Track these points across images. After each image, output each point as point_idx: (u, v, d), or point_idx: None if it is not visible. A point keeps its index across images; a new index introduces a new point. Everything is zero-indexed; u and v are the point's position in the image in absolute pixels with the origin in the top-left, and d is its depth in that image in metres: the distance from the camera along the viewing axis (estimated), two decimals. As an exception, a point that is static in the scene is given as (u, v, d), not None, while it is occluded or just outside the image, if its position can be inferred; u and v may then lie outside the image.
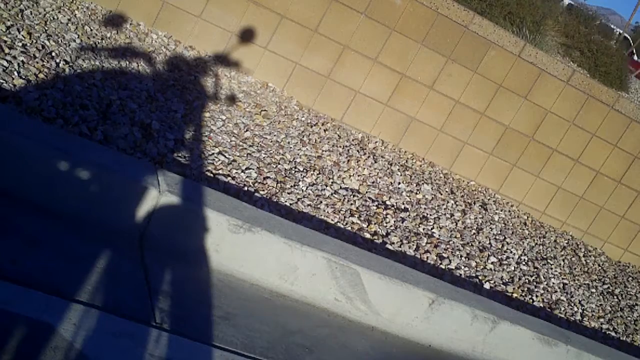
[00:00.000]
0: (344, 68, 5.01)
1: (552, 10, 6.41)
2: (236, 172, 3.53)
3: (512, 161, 5.55)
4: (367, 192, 4.23)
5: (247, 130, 4.08)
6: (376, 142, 5.16)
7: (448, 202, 4.79)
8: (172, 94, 3.98)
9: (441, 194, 4.85)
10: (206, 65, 4.64)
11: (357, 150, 4.77)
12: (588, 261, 5.47)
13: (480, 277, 3.99)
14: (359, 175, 4.37)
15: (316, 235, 2.97)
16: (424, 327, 3.03)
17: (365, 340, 2.82)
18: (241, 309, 2.52)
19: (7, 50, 3.25)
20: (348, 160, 4.50)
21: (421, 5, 4.97)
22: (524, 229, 5.26)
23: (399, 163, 5.00)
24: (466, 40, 5.12)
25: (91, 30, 4.08)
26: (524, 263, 4.58)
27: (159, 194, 2.54)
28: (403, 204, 4.35)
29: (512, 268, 4.39)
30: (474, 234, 4.54)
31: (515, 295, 4.07)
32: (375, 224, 3.87)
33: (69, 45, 3.72)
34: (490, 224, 4.89)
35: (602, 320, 4.50)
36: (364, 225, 3.79)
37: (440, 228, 4.31)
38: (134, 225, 2.55)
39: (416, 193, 4.63)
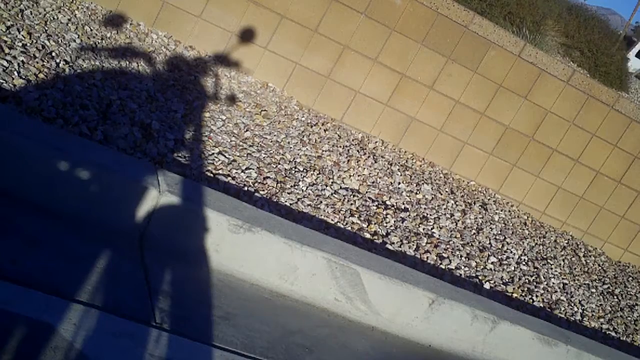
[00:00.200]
0: (344, 68, 5.01)
1: (552, 10, 6.41)
2: (236, 172, 3.53)
3: (512, 161, 5.55)
4: (367, 192, 4.23)
5: (247, 130, 4.08)
6: (376, 142, 5.16)
7: (448, 202, 4.79)
8: (172, 94, 3.98)
9: (441, 194, 4.85)
10: (206, 65, 4.64)
11: (357, 150, 4.77)
12: (588, 261, 5.47)
13: (480, 277, 3.99)
14: (359, 175, 4.37)
15: (316, 235, 2.97)
16: (424, 327, 3.02)
17: (365, 340, 2.82)
18: (241, 309, 2.52)
19: (7, 50, 3.25)
20: (348, 160, 4.50)
21: (421, 5, 4.97)
22: (524, 229, 5.26)
23: (399, 163, 5.00)
24: (466, 40, 5.12)
25: (91, 30, 4.08)
26: (524, 263, 4.58)
27: (159, 194, 2.54)
28: (403, 204, 4.35)
29: (512, 268, 4.39)
30: (474, 234, 4.54)
31: (515, 295, 4.07)
32: (375, 224, 3.87)
33: (69, 45, 3.72)
34: (490, 224, 4.89)
35: (602, 320, 4.50)
36: (364, 225, 3.79)
37: (440, 228, 4.31)
38: (134, 225, 2.55)
39: (416, 193, 4.63)
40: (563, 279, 4.76)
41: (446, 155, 5.41)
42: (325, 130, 4.80)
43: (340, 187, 4.09)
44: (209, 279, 2.59)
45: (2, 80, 3.02)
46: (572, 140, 5.60)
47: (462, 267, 3.98)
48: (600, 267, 5.49)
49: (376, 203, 4.14)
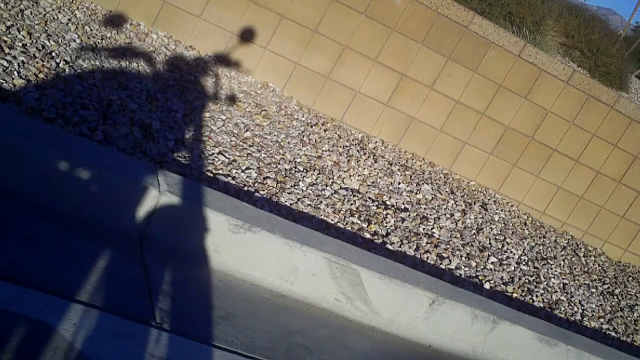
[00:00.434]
0: (344, 68, 5.01)
1: (552, 10, 6.40)
2: (236, 172, 3.53)
3: (512, 161, 5.55)
4: (367, 192, 4.23)
5: (247, 130, 4.08)
6: (376, 142, 5.16)
7: (448, 202, 4.79)
8: (172, 94, 3.98)
9: (441, 194, 4.85)
10: (206, 65, 4.64)
11: (357, 150, 4.77)
12: (588, 261, 5.47)
13: (480, 277, 3.99)
14: (359, 175, 4.37)
15: (316, 235, 2.96)
16: (424, 327, 3.02)
17: (366, 340, 2.82)
18: (241, 309, 2.52)
19: (7, 50, 3.25)
20: (348, 160, 4.50)
21: (421, 5, 4.97)
22: (524, 229, 5.26)
23: (399, 163, 5.00)
24: (466, 40, 5.12)
25: (91, 30, 4.08)
26: (524, 263, 4.58)
27: (159, 194, 2.54)
28: (403, 204, 4.35)
29: (512, 268, 4.39)
30: (474, 234, 4.54)
31: (515, 295, 4.06)
32: (375, 224, 3.87)
33: (69, 45, 3.72)
34: (490, 224, 4.89)
35: (602, 320, 4.49)
36: (364, 225, 3.79)
37: (440, 228, 4.31)
38: (134, 225, 2.55)
39: (416, 193, 4.63)
40: (563, 279, 4.76)
41: (446, 155, 5.41)
42: (325, 130, 4.80)
43: (341, 187, 4.09)
44: (209, 279, 2.59)
45: (2, 80, 3.02)
46: (572, 140, 5.60)
47: (462, 267, 3.98)
48: (600, 267, 5.49)
49: (376, 203, 4.14)
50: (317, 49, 4.92)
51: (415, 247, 3.88)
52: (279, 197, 3.56)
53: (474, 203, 5.09)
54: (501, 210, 5.30)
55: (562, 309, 4.30)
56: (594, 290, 4.91)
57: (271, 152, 4.00)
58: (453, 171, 5.45)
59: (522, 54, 5.26)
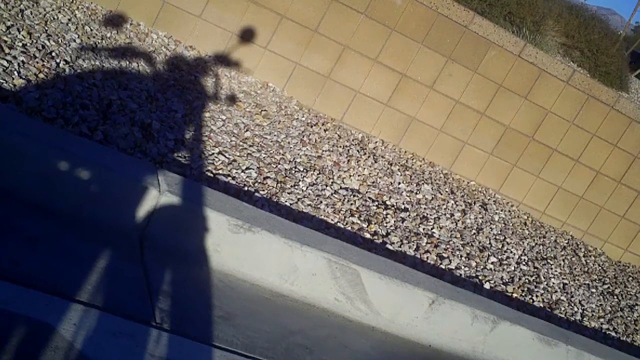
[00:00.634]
0: (344, 68, 5.01)
1: (552, 10, 6.40)
2: (236, 172, 3.53)
3: (512, 161, 5.55)
4: (367, 192, 4.23)
5: (247, 130, 4.08)
6: (376, 142, 5.16)
7: (448, 202, 4.79)
8: (172, 94, 3.98)
9: (441, 194, 4.85)
10: (206, 65, 4.64)
11: (357, 150, 4.77)
12: (588, 261, 5.47)
13: (480, 277, 3.99)
14: (359, 175, 4.37)
15: (316, 235, 2.97)
16: (424, 327, 3.02)
17: (366, 340, 2.82)
18: (241, 309, 2.52)
19: (7, 50, 3.25)
20: (348, 160, 4.50)
21: (421, 5, 4.97)
22: (524, 229, 5.26)
23: (399, 163, 5.00)
24: (466, 40, 5.12)
25: (91, 30, 4.08)
26: (524, 263, 4.58)
27: (159, 193, 2.54)
28: (403, 204, 4.35)
29: (512, 268, 4.39)
30: (474, 234, 4.54)
31: (515, 295, 4.07)
32: (375, 224, 3.87)
33: (69, 45, 3.72)
34: (490, 224, 4.89)
35: (602, 320, 4.50)
36: (364, 225, 3.79)
37: (440, 228, 4.31)
38: (134, 225, 2.55)
39: (416, 193, 4.63)
40: (563, 279, 4.76)
41: (446, 155, 5.41)
42: (325, 130, 4.80)
43: (341, 187, 4.09)
44: (209, 279, 2.59)
45: (2, 80, 3.02)
46: (572, 140, 5.60)
47: (462, 267, 3.98)
48: (600, 267, 5.49)
49: (376, 203, 4.14)
50: (317, 49, 4.92)
51: (415, 247, 3.88)
52: (279, 197, 3.56)
53: (474, 203, 5.09)
54: (501, 210, 5.30)
55: (562, 309, 4.30)
56: (594, 290, 4.91)
57: (271, 152, 4.00)
58: (453, 171, 5.45)
59: (522, 54, 5.26)
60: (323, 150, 4.44)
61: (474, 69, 5.21)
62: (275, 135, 4.24)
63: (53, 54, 3.50)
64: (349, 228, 3.68)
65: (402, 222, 4.09)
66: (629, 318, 4.78)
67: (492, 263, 4.27)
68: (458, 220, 4.58)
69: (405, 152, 5.28)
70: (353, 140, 4.94)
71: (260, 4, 4.72)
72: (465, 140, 5.40)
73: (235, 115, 4.18)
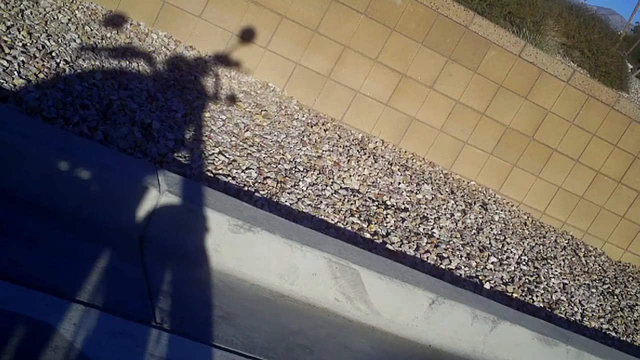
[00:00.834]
0: (344, 68, 5.01)
1: (552, 10, 6.40)
2: (236, 172, 3.53)
3: (512, 161, 5.55)
4: (367, 192, 4.23)
5: (247, 130, 4.08)
6: (376, 142, 5.16)
7: (448, 202, 4.79)
8: (172, 94, 3.98)
9: (441, 194, 4.85)
10: (206, 65, 4.64)
11: (357, 150, 4.77)
12: (588, 261, 5.47)
13: (480, 277, 3.99)
14: (359, 175, 4.37)
15: (316, 235, 2.96)
16: (424, 327, 3.02)
17: (366, 340, 2.82)
18: (241, 309, 2.52)
19: (7, 50, 3.25)
20: (348, 160, 4.50)
21: (421, 5, 4.97)
22: (524, 229, 5.26)
23: (399, 163, 5.00)
24: (466, 40, 5.12)
25: (91, 30, 4.08)
26: (524, 263, 4.58)
27: (159, 193, 2.54)
28: (403, 204, 4.35)
29: (512, 268, 4.39)
30: (474, 234, 4.54)
31: (515, 295, 4.06)
32: (375, 224, 3.87)
33: (69, 45, 3.72)
34: (491, 224, 4.89)
35: (602, 320, 4.50)
36: (364, 225, 3.79)
37: (441, 228, 4.31)
38: (134, 225, 2.55)
39: (416, 193, 4.63)
40: (563, 279, 4.76)
41: (446, 155, 5.41)
42: (325, 130, 4.80)
43: (341, 187, 4.09)
44: (209, 279, 2.59)
45: (2, 80, 3.02)
46: (572, 140, 5.60)
47: (462, 267, 3.98)
48: (600, 267, 5.49)
49: (376, 203, 4.14)
50: (317, 49, 4.92)
51: (415, 247, 3.88)
52: (279, 197, 3.56)
53: (474, 203, 5.09)
54: (501, 210, 5.30)
55: (562, 309, 4.30)
56: (594, 290, 4.91)
57: (271, 152, 4.00)
58: (453, 171, 5.45)
59: (522, 54, 5.26)
60: (323, 150, 4.44)
61: (474, 69, 5.21)
62: (275, 135, 4.24)
63: (53, 54, 3.50)
64: (349, 228, 3.68)
65: (402, 222, 4.09)
66: (629, 318, 4.78)
67: (492, 263, 4.27)
68: (458, 220, 4.58)
69: (405, 152, 5.28)
70: (353, 140, 4.94)
71: (260, 4, 4.72)
72: (465, 140, 5.40)
73: (235, 115, 4.18)
